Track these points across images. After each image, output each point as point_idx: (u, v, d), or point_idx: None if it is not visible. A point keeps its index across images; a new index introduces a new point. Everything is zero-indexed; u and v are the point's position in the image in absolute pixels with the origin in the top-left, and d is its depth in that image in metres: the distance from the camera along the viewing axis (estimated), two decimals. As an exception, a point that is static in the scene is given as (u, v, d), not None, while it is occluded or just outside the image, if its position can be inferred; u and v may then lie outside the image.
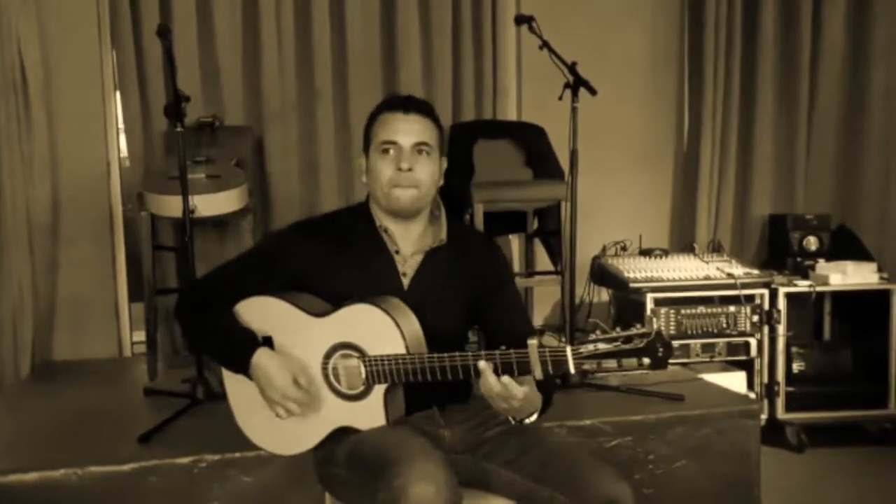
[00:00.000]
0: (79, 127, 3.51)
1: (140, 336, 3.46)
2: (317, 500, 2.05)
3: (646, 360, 1.52)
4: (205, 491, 2.12)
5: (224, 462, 2.12)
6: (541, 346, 1.58)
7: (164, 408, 2.49)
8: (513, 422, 1.73)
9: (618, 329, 1.55)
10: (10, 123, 3.26)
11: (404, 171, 1.78)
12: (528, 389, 1.62)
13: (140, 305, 3.26)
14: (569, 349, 1.55)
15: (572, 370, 1.57)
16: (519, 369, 1.61)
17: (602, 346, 1.54)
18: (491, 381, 1.60)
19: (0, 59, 3.23)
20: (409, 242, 1.87)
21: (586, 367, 1.56)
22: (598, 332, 1.57)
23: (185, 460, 2.12)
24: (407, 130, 1.80)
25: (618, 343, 1.53)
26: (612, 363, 1.54)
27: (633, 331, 1.53)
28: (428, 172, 1.82)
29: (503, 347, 1.62)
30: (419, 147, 1.80)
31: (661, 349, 1.52)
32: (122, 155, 3.65)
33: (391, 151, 1.80)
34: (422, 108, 1.84)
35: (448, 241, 1.88)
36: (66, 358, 3.50)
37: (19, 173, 3.29)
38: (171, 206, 2.80)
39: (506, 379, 1.60)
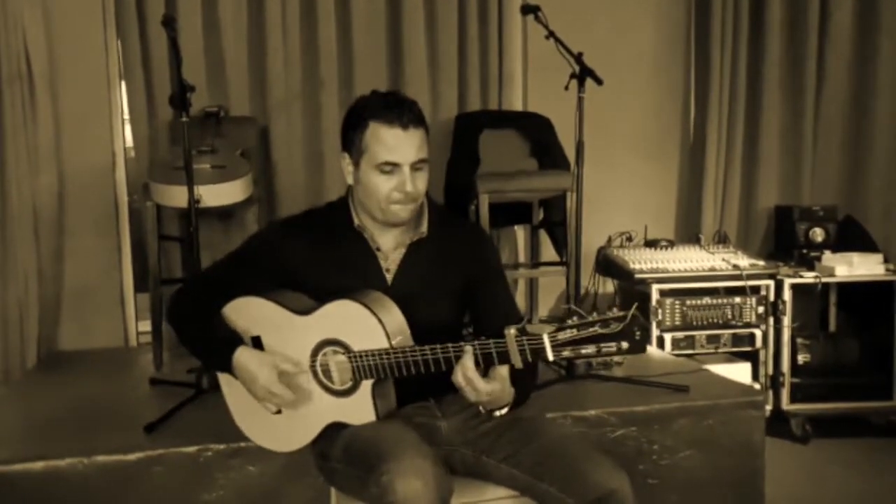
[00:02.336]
0: (84, 117, 3.51)
1: (145, 326, 3.47)
2: (320, 490, 2.06)
3: (623, 345, 1.51)
4: (210, 480, 2.13)
5: (229, 451, 2.13)
6: (518, 335, 1.57)
7: (170, 397, 2.49)
8: (482, 411, 1.74)
9: (594, 314, 1.53)
10: (16, 113, 3.26)
11: (409, 192, 1.76)
12: (495, 386, 1.63)
13: (145, 296, 3.27)
14: (546, 337, 1.54)
15: (550, 357, 1.55)
16: (498, 359, 1.61)
17: (579, 332, 1.52)
18: (460, 375, 1.62)
19: (6, 49, 3.23)
20: (389, 239, 1.87)
21: (565, 353, 1.54)
22: (575, 318, 1.54)
23: (191, 450, 2.13)
24: (407, 150, 1.75)
25: (595, 328, 1.51)
26: (590, 349, 1.53)
27: (610, 315, 1.51)
28: (425, 184, 1.81)
29: (482, 338, 1.62)
30: (419, 165, 1.78)
31: (637, 332, 1.50)
32: (127, 145, 3.65)
33: (391, 171, 1.76)
34: (417, 118, 1.77)
35: (430, 233, 1.87)
36: (71, 348, 3.52)
37: (25, 163, 3.29)
38: (176, 196, 2.80)
39: (471, 374, 1.61)
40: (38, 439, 2.29)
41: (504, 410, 1.74)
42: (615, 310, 1.53)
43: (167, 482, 2.11)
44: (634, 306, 1.52)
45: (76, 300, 3.53)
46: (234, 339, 1.80)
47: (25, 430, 2.41)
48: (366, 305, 1.71)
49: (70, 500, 2.06)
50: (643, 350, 1.52)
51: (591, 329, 1.52)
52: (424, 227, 1.87)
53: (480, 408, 1.73)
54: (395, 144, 1.75)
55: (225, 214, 3.39)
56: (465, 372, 1.62)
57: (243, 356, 1.77)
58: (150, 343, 3.11)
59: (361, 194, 1.82)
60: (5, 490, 2.03)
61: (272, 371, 1.75)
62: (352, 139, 1.81)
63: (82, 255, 3.52)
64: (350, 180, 1.85)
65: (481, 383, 1.62)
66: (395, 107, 1.76)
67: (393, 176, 1.76)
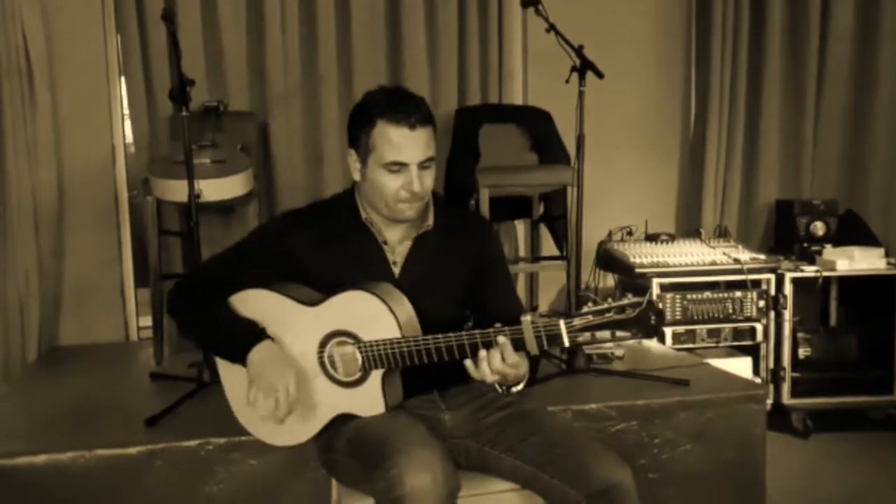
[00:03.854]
0: (83, 112, 3.50)
1: (146, 321, 3.47)
2: (321, 483, 2.06)
3: (638, 330, 1.54)
4: (211, 474, 2.13)
5: (230, 445, 2.13)
6: (534, 321, 1.59)
7: (171, 392, 2.50)
8: (500, 389, 1.74)
9: (609, 300, 1.56)
10: (15, 108, 3.26)
11: (416, 191, 1.76)
12: (514, 370, 1.65)
13: (146, 290, 3.27)
14: (562, 322, 1.57)
15: (566, 343, 1.58)
16: (514, 345, 1.62)
17: (595, 318, 1.55)
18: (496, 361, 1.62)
19: (4, 44, 3.22)
20: (395, 232, 1.87)
21: (580, 339, 1.56)
22: (590, 304, 1.57)
23: (192, 443, 2.13)
24: (415, 149, 1.75)
25: (610, 314, 1.55)
26: (605, 334, 1.56)
27: (625, 301, 1.55)
28: (432, 181, 1.80)
29: (497, 325, 1.63)
30: (426, 163, 1.77)
31: (652, 317, 1.54)
32: (127, 140, 3.65)
33: (399, 170, 1.75)
34: (424, 116, 1.76)
35: (436, 226, 1.87)
36: (72, 343, 3.52)
37: (24, 159, 3.29)
38: (176, 190, 2.80)
39: (502, 341, 1.62)
40: (39, 434, 2.30)
41: (521, 386, 1.75)
42: (630, 296, 1.56)
43: (168, 476, 2.11)
44: (649, 292, 1.54)
45: (76, 295, 3.53)
46: (255, 331, 1.78)
47: (27, 425, 2.41)
48: (378, 296, 1.71)
49: (71, 493, 2.06)
50: (657, 334, 1.55)
51: (606, 315, 1.55)
52: (430, 221, 1.87)
53: (498, 387, 1.73)
54: (403, 144, 1.74)
55: (225, 209, 3.39)
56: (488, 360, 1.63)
57: (266, 351, 1.75)
58: (151, 338, 3.11)
59: (368, 191, 1.82)
60: (7, 484, 2.03)
61: (289, 374, 1.73)
62: (358, 137, 1.80)
63: (83, 250, 3.52)
64: (357, 177, 1.84)
65: (512, 356, 1.62)
66: (402, 105, 1.75)
67: (400, 175, 1.76)
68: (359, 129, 1.79)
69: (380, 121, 1.75)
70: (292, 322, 1.79)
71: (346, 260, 1.83)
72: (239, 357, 1.79)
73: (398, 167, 1.75)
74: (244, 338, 1.78)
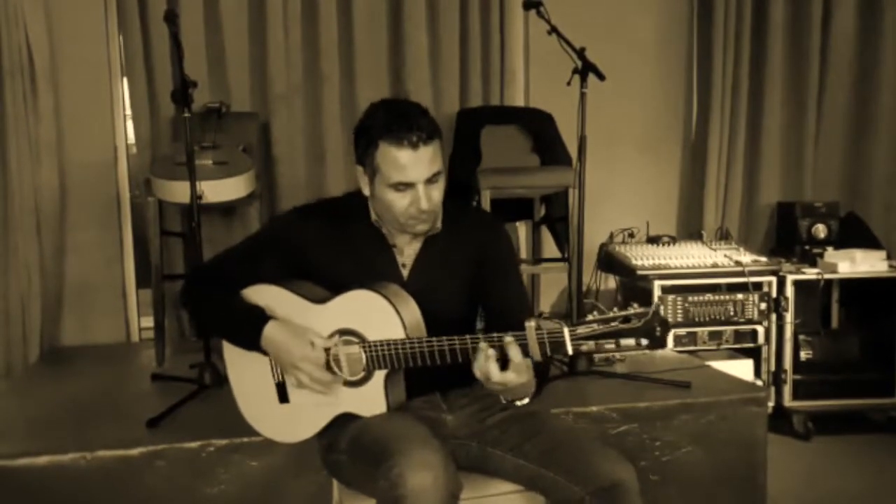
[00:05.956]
0: (86, 112, 3.51)
1: (148, 322, 3.47)
2: (322, 484, 2.07)
3: (643, 340, 1.52)
4: (212, 475, 2.13)
5: (231, 447, 2.14)
6: (538, 327, 1.57)
7: (172, 393, 2.50)
8: (503, 401, 1.74)
9: (615, 309, 1.55)
10: (18, 108, 3.26)
11: (424, 209, 1.74)
12: (507, 376, 1.61)
13: (147, 291, 3.27)
14: (566, 330, 1.55)
15: (570, 351, 1.57)
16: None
17: (599, 327, 1.54)
18: (491, 366, 1.61)
19: (7, 43, 3.22)
20: (405, 236, 1.86)
21: (584, 347, 1.55)
22: (595, 312, 1.56)
23: (193, 445, 2.14)
24: (419, 168, 1.72)
25: (615, 323, 1.53)
26: (610, 343, 1.54)
27: (631, 310, 1.53)
28: (441, 193, 1.78)
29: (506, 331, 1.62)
30: (433, 178, 1.75)
31: (658, 328, 1.52)
32: (128, 141, 3.65)
33: (405, 189, 1.74)
34: (427, 133, 1.72)
35: (445, 227, 1.87)
36: (73, 343, 3.52)
37: (27, 158, 3.30)
38: (178, 191, 2.80)
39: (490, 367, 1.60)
40: (40, 434, 2.29)
41: (526, 400, 1.73)
42: (636, 305, 1.54)
43: (169, 477, 2.11)
44: (655, 304, 1.53)
45: (78, 295, 3.54)
46: (262, 314, 1.79)
47: (28, 426, 2.41)
48: (384, 296, 1.71)
49: (72, 494, 2.06)
50: (663, 346, 1.52)
51: (611, 324, 1.53)
52: (440, 223, 1.86)
53: (502, 398, 1.73)
54: (407, 164, 1.71)
55: (227, 210, 3.40)
56: (482, 366, 1.62)
57: (275, 328, 1.76)
58: (152, 339, 3.11)
59: (379, 207, 1.82)
60: (8, 484, 2.03)
61: (306, 342, 1.75)
62: (363, 156, 1.78)
63: (84, 250, 3.52)
64: (367, 192, 1.83)
65: (497, 374, 1.61)
66: (403, 124, 1.71)
67: (407, 193, 1.74)
68: (363, 148, 1.78)
69: (381, 142, 1.72)
70: (299, 319, 1.79)
71: (355, 260, 1.83)
72: (252, 341, 1.79)
73: (404, 187, 1.74)
74: (254, 321, 1.78)
